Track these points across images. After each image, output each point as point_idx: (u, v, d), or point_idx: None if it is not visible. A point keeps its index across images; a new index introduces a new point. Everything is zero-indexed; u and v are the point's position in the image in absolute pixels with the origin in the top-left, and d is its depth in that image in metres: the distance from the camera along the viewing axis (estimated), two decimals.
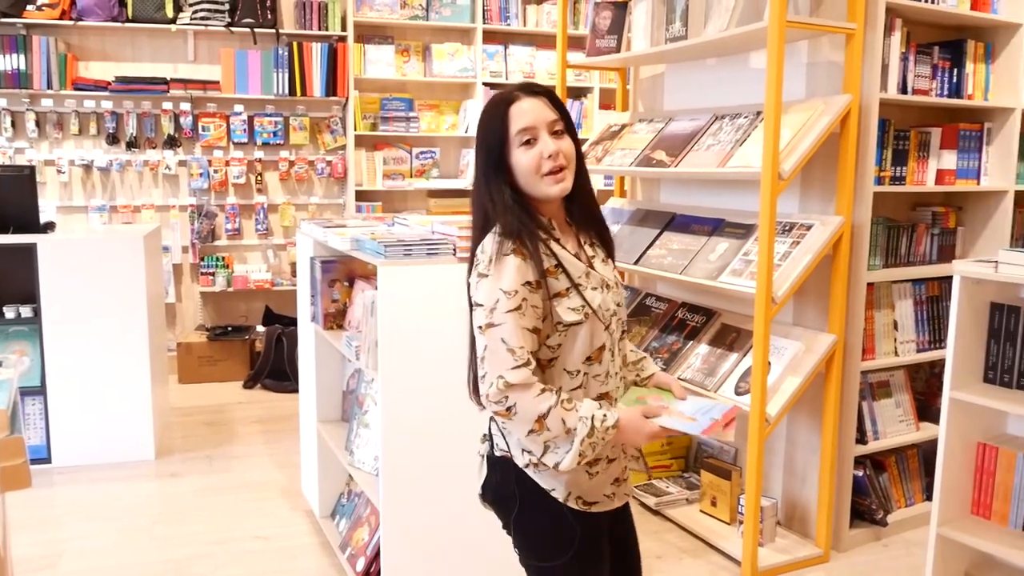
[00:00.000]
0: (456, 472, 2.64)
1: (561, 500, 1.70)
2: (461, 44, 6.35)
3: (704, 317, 3.58)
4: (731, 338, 3.38)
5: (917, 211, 3.64)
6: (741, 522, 3.23)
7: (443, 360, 2.58)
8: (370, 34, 6.16)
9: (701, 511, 3.57)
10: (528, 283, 1.61)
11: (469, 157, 6.45)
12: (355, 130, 6.06)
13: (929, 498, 3.55)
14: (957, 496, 2.39)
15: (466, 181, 6.43)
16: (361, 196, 6.21)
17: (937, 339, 3.50)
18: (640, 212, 3.99)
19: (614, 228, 4.02)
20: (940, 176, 3.50)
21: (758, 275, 2.96)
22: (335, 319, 3.18)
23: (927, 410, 3.54)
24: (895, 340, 3.39)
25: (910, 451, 3.55)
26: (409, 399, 2.57)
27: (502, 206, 1.65)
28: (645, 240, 3.74)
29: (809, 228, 3.13)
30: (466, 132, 6.41)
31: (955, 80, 3.49)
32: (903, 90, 3.30)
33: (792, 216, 3.27)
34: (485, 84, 6.36)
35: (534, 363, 1.60)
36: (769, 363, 3.02)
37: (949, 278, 2.35)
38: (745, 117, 3.32)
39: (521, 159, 1.64)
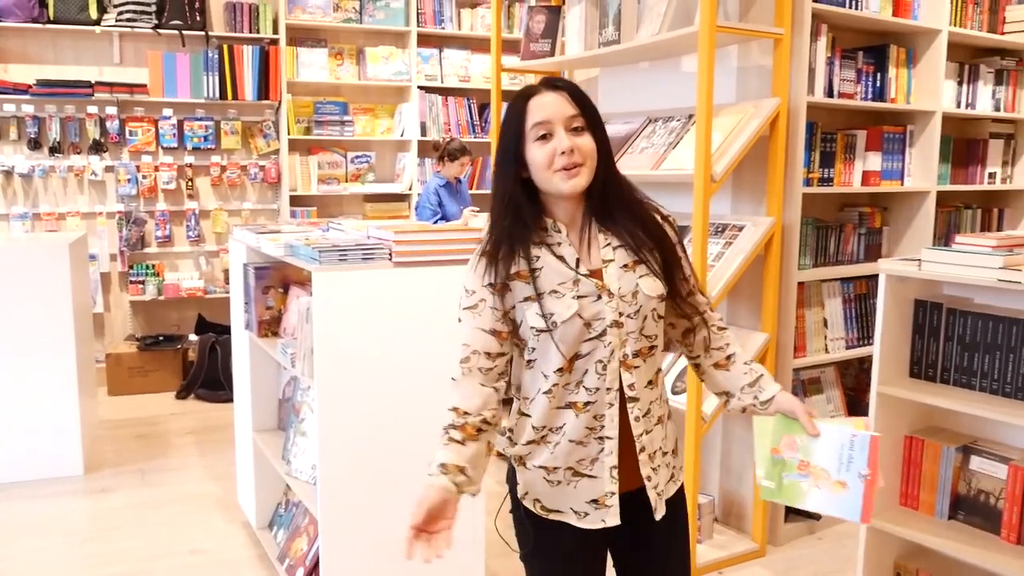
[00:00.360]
0: (396, 478, 2.62)
1: (519, 496, 1.74)
2: (395, 47, 6.32)
3: None
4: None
5: (845, 211, 3.73)
6: None
7: (381, 366, 2.56)
8: (303, 37, 6.09)
9: None
10: (490, 285, 1.62)
11: (405, 161, 6.42)
12: (289, 134, 5.98)
13: None
14: (887, 488, 2.46)
15: (402, 185, 6.40)
16: (295, 201, 6.13)
17: (865, 336, 3.59)
18: None
19: None
20: (866, 177, 3.60)
21: None
22: (270, 326, 3.13)
23: (857, 405, 3.63)
24: (825, 338, 3.47)
25: None
26: (346, 406, 2.54)
27: (504, 202, 1.64)
28: None
29: (741, 229, 3.19)
30: (402, 135, 6.37)
31: (879, 84, 3.59)
32: (829, 94, 3.38)
33: (725, 217, 3.32)
34: (420, 87, 6.34)
35: (483, 363, 1.62)
36: None
37: (876, 276, 2.42)
38: (678, 120, 3.37)
39: (535, 153, 1.60)
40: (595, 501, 1.65)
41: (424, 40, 6.38)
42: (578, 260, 1.63)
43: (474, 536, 2.78)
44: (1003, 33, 4.08)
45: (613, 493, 1.64)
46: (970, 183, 4.09)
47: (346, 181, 6.28)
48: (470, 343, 1.63)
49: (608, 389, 1.62)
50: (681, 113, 3.40)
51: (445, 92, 6.51)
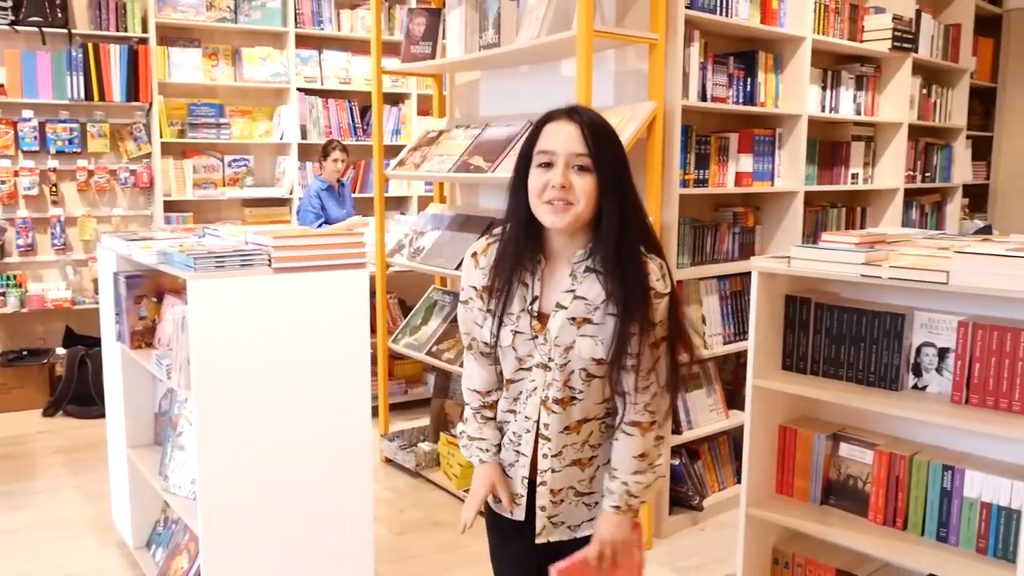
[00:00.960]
0: (279, 490, 2.55)
1: None
2: (273, 48, 6.17)
3: None
4: None
5: (720, 211, 3.86)
6: None
7: (261, 375, 2.49)
8: (174, 36, 5.87)
9: None
10: (473, 287, 1.74)
11: (285, 164, 6.28)
12: (161, 137, 5.75)
13: (740, 481, 3.77)
14: (763, 477, 2.55)
15: (283, 189, 6.25)
16: (170, 207, 5.90)
17: (741, 331, 3.72)
18: (460, 217, 4.01)
19: (433, 234, 4.03)
20: (739, 178, 3.73)
21: None
22: (143, 337, 3.00)
23: (735, 398, 3.75)
24: (704, 334, 3.58)
25: (721, 438, 3.76)
26: (226, 417, 2.46)
27: (510, 219, 1.71)
28: (465, 245, 3.75)
29: None
30: (281, 139, 6.23)
31: (749, 88, 3.73)
32: (703, 98, 3.49)
33: None
34: (300, 90, 6.21)
35: (482, 347, 1.76)
36: None
37: (750, 274, 2.50)
38: None
39: (532, 178, 1.63)
40: (514, 497, 1.79)
41: (303, 41, 6.26)
42: (536, 297, 1.67)
43: (362, 544, 2.74)
44: (862, 41, 4.31)
45: (522, 495, 1.77)
46: (835, 183, 4.30)
47: (224, 185, 6.09)
48: (468, 331, 1.79)
49: (527, 417, 1.72)
50: None
51: (326, 94, 6.40)
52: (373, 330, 4.55)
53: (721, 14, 3.46)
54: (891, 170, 4.61)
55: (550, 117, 1.65)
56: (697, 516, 3.60)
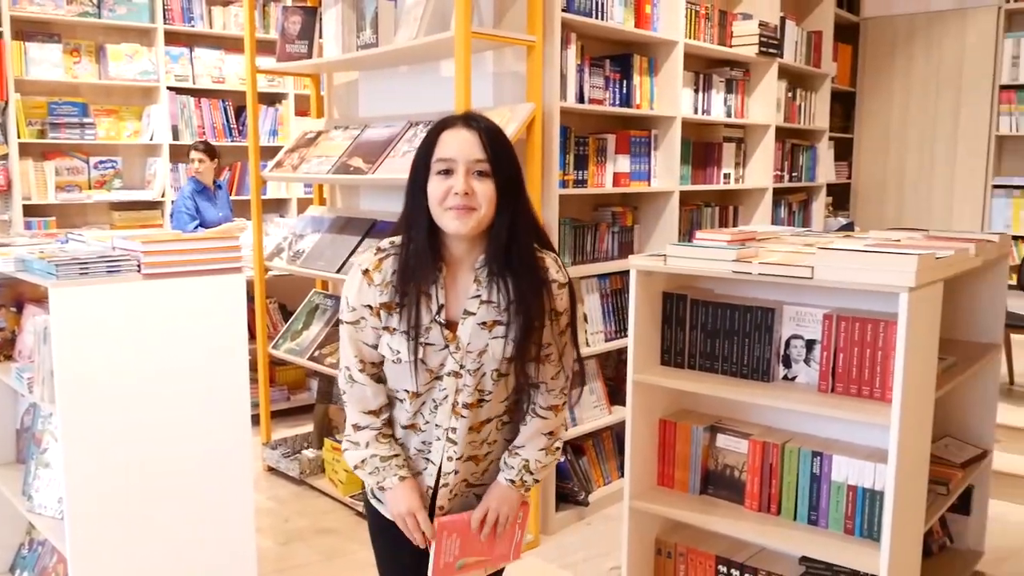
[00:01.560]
0: (154, 507, 2.45)
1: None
2: (140, 45, 5.93)
3: None
4: None
5: (599, 211, 3.93)
6: None
7: (130, 387, 2.38)
8: (31, 31, 5.56)
9: None
10: (367, 307, 1.67)
11: (156, 166, 6.04)
12: (19, 137, 5.45)
13: (623, 475, 3.85)
14: (645, 470, 2.61)
15: (154, 192, 6.01)
16: (31, 211, 5.59)
17: (622, 328, 3.80)
18: (340, 220, 3.95)
19: (313, 237, 3.96)
20: (616, 179, 3.81)
21: None
22: (2, 349, 2.83)
23: (617, 394, 3.83)
24: (586, 332, 3.64)
25: (605, 433, 3.83)
26: (94, 432, 2.34)
27: (403, 229, 1.68)
28: (347, 248, 3.71)
29: None
30: (151, 139, 6.00)
31: (625, 91, 3.81)
32: (581, 99, 3.55)
33: None
34: (170, 88, 6.00)
35: (372, 370, 1.72)
36: None
37: (629, 272, 2.55)
38: None
39: (432, 187, 1.63)
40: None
41: (173, 38, 6.04)
42: (442, 306, 1.66)
43: (245, 556, 2.66)
44: (731, 46, 4.47)
45: (424, 507, 1.76)
46: (708, 183, 4.44)
47: (89, 188, 5.81)
48: (357, 354, 1.71)
49: (438, 425, 1.72)
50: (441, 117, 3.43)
51: (198, 93, 6.19)
52: (253, 336, 4.44)
53: (597, 17, 3.52)
54: (760, 170, 4.80)
55: (446, 124, 1.66)
56: (583, 511, 3.66)
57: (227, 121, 6.32)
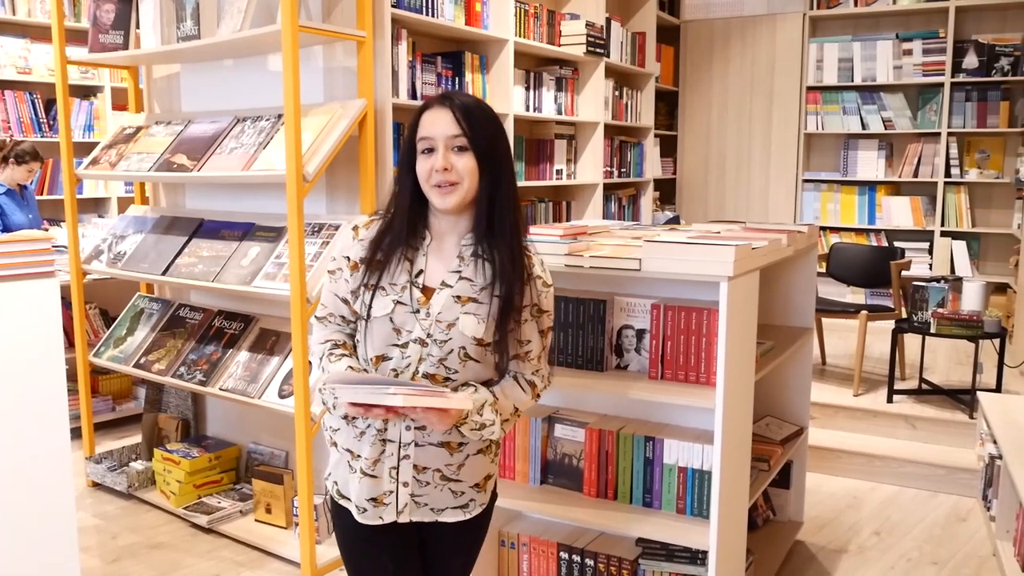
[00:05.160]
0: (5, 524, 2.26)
1: (324, 476, 1.85)
2: None
3: (242, 324, 3.50)
4: (271, 342, 3.35)
5: None
6: (297, 524, 3.23)
7: None
8: None
9: (256, 520, 3.49)
10: (347, 258, 1.77)
11: None
12: None
13: None
14: None
15: None
16: None
17: None
18: (165, 219, 3.77)
19: (136, 238, 3.76)
20: None
21: (291, 277, 2.96)
22: None
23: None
24: None
25: None
26: None
27: (395, 204, 1.76)
28: (173, 249, 3.54)
29: (338, 228, 3.21)
30: None
31: (458, 88, 3.83)
32: (413, 96, 3.54)
33: (320, 217, 3.33)
34: None
35: (338, 323, 1.80)
36: (310, 363, 3.05)
37: None
38: (267, 120, 3.30)
39: (419, 166, 1.72)
40: (374, 499, 1.74)
41: None
42: (421, 271, 1.73)
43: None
44: (560, 45, 4.58)
45: (391, 492, 1.74)
46: (542, 179, 4.54)
47: None
48: (327, 304, 1.81)
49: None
50: (270, 112, 3.33)
51: (1, 85, 5.73)
52: (72, 344, 4.17)
53: (427, 14, 3.52)
54: (591, 166, 4.94)
55: (426, 106, 1.74)
56: None
57: (35, 115, 5.88)
